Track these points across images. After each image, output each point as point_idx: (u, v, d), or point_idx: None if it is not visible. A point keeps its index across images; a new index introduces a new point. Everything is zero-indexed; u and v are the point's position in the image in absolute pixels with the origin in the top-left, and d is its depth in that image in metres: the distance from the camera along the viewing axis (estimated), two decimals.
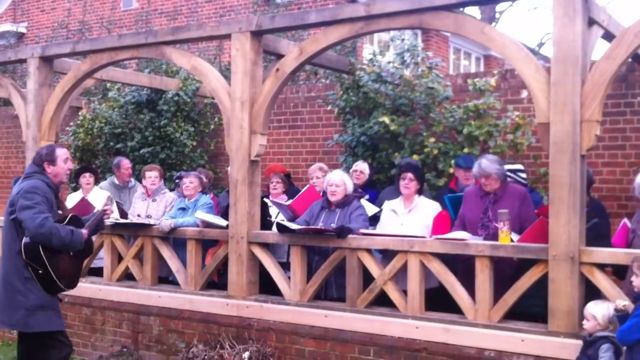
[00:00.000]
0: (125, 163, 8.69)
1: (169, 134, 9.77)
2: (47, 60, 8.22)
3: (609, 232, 5.83)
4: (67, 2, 17.38)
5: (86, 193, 8.13)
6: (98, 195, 8.03)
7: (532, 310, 5.47)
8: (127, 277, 7.57)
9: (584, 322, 4.78)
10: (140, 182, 8.51)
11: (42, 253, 5.01)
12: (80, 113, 10.70)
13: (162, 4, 16.06)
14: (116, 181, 8.67)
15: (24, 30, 18.16)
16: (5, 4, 18.53)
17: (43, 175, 5.23)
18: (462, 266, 5.73)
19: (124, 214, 7.65)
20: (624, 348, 4.63)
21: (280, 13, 11.87)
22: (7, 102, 12.74)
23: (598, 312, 4.71)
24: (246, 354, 6.12)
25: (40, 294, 5.08)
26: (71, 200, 8.27)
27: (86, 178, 8.25)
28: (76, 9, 17.25)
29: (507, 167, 6.53)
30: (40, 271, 5.04)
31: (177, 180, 8.22)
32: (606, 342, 4.61)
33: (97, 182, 8.45)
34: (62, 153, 5.36)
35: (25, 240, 5.02)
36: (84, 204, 7.78)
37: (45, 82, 8.18)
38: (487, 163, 5.84)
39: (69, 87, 7.98)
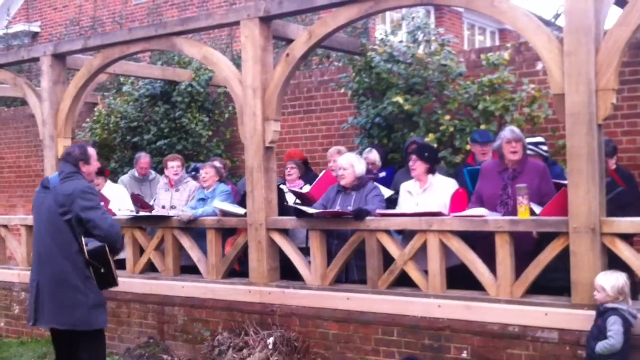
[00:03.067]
0: (143, 161, 8.69)
1: (185, 125, 9.78)
2: (59, 58, 8.24)
3: (638, 200, 5.73)
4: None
5: (100, 189, 8.17)
6: (112, 190, 8.08)
7: (556, 284, 5.42)
8: (150, 268, 7.62)
9: (595, 293, 4.75)
10: (161, 174, 8.56)
11: (108, 253, 5.10)
12: (96, 109, 10.75)
13: None
14: (136, 174, 8.72)
15: (37, 29, 18.28)
16: (17, 6, 18.62)
17: (81, 175, 5.27)
18: (481, 244, 5.68)
19: (146, 206, 7.69)
20: (635, 319, 4.60)
21: None
22: (24, 102, 12.84)
23: (607, 283, 4.68)
24: (271, 340, 6.15)
25: (98, 291, 5.16)
26: None
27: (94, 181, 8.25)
28: (88, 5, 17.31)
29: (528, 140, 6.46)
30: (102, 270, 5.09)
31: (192, 173, 8.23)
32: (614, 314, 4.58)
33: (107, 177, 8.45)
34: (93, 152, 5.44)
35: (89, 240, 5.05)
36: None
37: (59, 80, 8.21)
38: (516, 129, 5.89)
39: (83, 83, 8.00)
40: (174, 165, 7.75)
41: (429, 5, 9.32)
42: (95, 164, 5.42)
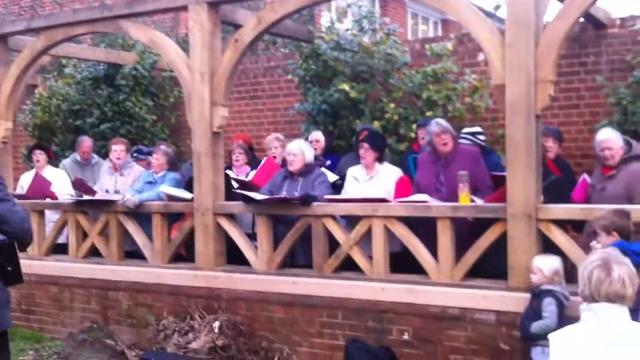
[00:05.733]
0: (85, 144, 8.60)
1: (128, 108, 9.69)
2: (1, 39, 8.08)
3: (570, 189, 5.98)
4: None
5: (40, 171, 8.07)
6: (52, 173, 7.99)
7: (493, 270, 5.62)
8: (93, 253, 7.55)
9: (531, 275, 4.96)
10: (104, 158, 8.47)
11: (17, 249, 4.42)
12: (36, 91, 10.54)
13: None
14: (78, 158, 8.61)
15: None
16: None
17: None
18: (422, 229, 5.85)
19: (90, 190, 7.62)
20: (568, 301, 4.83)
21: None
22: None
23: (544, 264, 4.90)
24: (216, 324, 6.20)
25: (3, 288, 4.46)
26: (25, 179, 8.21)
27: (36, 155, 8.14)
28: None
29: (465, 130, 6.69)
30: (9, 267, 4.42)
31: (134, 154, 8.17)
32: (549, 295, 4.81)
33: (51, 159, 8.35)
34: None
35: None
36: (39, 180, 7.76)
37: (1, 62, 8.05)
38: (443, 120, 6.10)
39: (25, 65, 7.89)
40: (117, 149, 7.64)
41: None
42: None
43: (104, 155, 9.07)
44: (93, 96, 9.94)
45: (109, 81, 9.89)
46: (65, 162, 8.70)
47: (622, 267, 2.64)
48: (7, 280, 4.46)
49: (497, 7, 7.91)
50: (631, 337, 2.58)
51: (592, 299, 2.64)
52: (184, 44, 9.12)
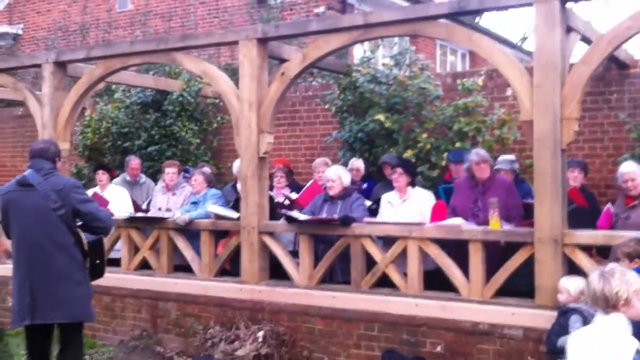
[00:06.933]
0: (133, 163, 9.22)
1: (175, 132, 10.30)
2: (61, 65, 8.65)
3: (594, 217, 6.41)
4: (63, 4, 17.78)
5: (102, 190, 8.65)
6: (113, 192, 8.57)
7: (519, 288, 6.08)
8: (143, 266, 8.09)
9: (558, 295, 5.40)
10: (151, 178, 9.06)
11: (104, 244, 5.36)
12: (86, 113, 11.17)
13: (156, 5, 16.49)
14: (128, 178, 9.20)
15: (20, 32, 18.53)
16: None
17: (58, 171, 5.24)
18: (454, 250, 6.32)
19: (138, 208, 8.20)
20: (591, 318, 5.26)
21: (281, 21, 12.45)
22: (10, 103, 13.19)
23: (570, 285, 5.34)
24: (260, 333, 6.69)
25: (90, 284, 5.28)
26: None
27: (99, 175, 8.76)
28: (72, 10, 17.64)
29: (505, 157, 7.21)
30: (97, 261, 5.27)
31: (185, 175, 8.77)
32: (575, 313, 5.25)
33: (112, 178, 8.95)
34: None
35: (87, 234, 5.18)
36: (97, 199, 8.32)
37: (59, 86, 8.62)
38: (483, 150, 6.64)
39: (83, 91, 8.44)
40: (169, 171, 8.27)
41: (412, 35, 9.93)
42: None
43: (151, 175, 9.70)
44: (141, 120, 10.58)
45: (157, 106, 10.52)
46: (116, 181, 9.25)
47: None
48: (93, 275, 5.29)
49: (524, 39, 8.44)
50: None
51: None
52: (227, 73, 9.76)
